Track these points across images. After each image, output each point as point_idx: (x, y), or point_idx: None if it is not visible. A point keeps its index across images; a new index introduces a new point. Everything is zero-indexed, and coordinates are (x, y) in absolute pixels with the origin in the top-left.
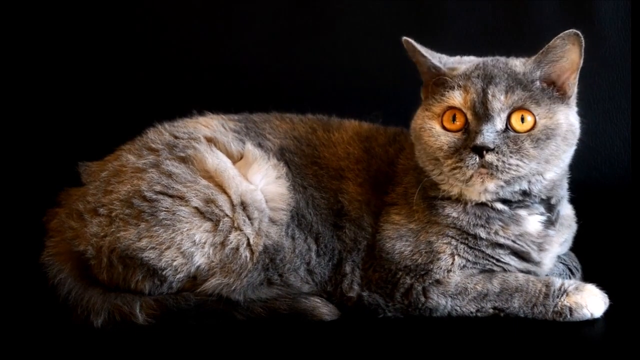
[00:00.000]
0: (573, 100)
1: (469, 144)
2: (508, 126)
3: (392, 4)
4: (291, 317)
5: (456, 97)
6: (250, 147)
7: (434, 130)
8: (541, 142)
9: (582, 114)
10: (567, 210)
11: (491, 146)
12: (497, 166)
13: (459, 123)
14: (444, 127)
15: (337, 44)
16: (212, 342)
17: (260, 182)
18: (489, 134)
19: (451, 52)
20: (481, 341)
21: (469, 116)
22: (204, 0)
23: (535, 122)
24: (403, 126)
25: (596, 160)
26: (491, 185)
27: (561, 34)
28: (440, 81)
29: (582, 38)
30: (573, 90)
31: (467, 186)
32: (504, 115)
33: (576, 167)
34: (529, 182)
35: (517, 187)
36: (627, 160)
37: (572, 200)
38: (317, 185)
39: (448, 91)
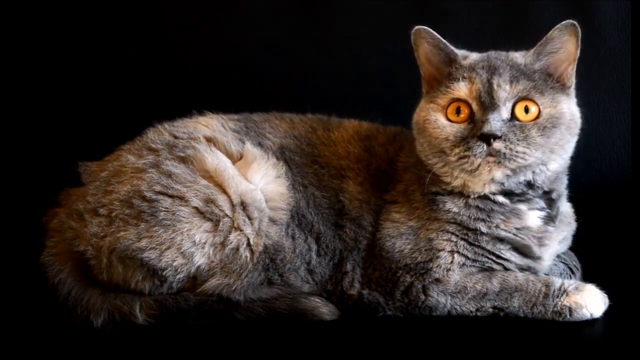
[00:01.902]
0: (572, 91)
1: (476, 133)
2: (513, 116)
3: (392, 4)
4: (291, 317)
5: (461, 89)
6: (249, 147)
7: (439, 122)
8: (547, 130)
9: (582, 113)
10: (566, 208)
11: (499, 134)
12: (504, 154)
13: (463, 115)
14: (448, 119)
15: (336, 44)
16: (212, 342)
17: (260, 181)
18: (495, 122)
19: None
20: (481, 341)
21: (475, 106)
22: (204, 0)
23: (539, 112)
24: (402, 125)
25: (596, 160)
26: (498, 173)
27: (559, 25)
28: (445, 71)
29: (579, 28)
30: (572, 81)
31: (474, 176)
32: (509, 105)
33: (576, 167)
34: (534, 172)
35: (522, 178)
36: (627, 160)
37: (572, 200)
38: (317, 184)
39: (453, 83)
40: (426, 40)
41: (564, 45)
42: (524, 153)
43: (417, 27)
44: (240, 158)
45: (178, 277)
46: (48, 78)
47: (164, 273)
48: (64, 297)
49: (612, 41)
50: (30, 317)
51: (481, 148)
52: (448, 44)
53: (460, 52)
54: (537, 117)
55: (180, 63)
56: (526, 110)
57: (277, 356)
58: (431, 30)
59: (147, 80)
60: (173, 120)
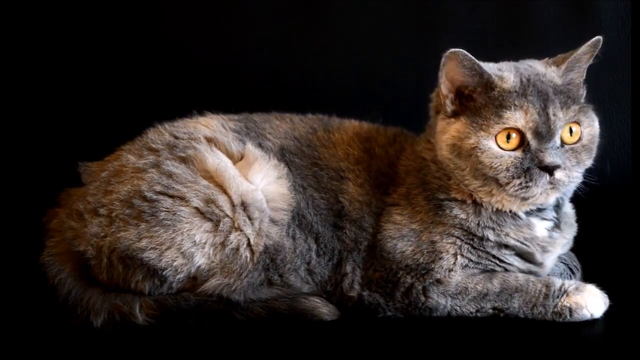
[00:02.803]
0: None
1: (538, 164)
2: (560, 141)
3: (392, 4)
4: (291, 317)
5: (518, 119)
6: (250, 147)
7: (493, 151)
8: (591, 150)
9: None
10: (567, 209)
11: (560, 163)
12: (564, 182)
13: (514, 142)
14: (499, 147)
15: (337, 44)
16: (212, 342)
17: (260, 182)
18: (555, 152)
19: None
20: (481, 341)
21: (529, 135)
22: (204, 0)
23: (581, 132)
24: (403, 126)
25: (596, 160)
26: (553, 197)
27: (590, 42)
28: (487, 97)
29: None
30: (584, 88)
31: (526, 202)
32: (560, 132)
33: None
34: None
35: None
36: (627, 160)
37: (572, 200)
38: (317, 185)
39: (504, 111)
40: (462, 64)
41: (587, 59)
42: (578, 177)
43: (452, 50)
44: (241, 158)
45: (178, 277)
46: (48, 78)
47: (164, 273)
48: (64, 297)
49: (612, 41)
50: (30, 317)
51: (544, 179)
52: (482, 65)
53: (492, 72)
54: (580, 137)
55: (180, 63)
56: (570, 131)
57: (277, 356)
58: (466, 52)
59: (147, 80)
60: (173, 121)
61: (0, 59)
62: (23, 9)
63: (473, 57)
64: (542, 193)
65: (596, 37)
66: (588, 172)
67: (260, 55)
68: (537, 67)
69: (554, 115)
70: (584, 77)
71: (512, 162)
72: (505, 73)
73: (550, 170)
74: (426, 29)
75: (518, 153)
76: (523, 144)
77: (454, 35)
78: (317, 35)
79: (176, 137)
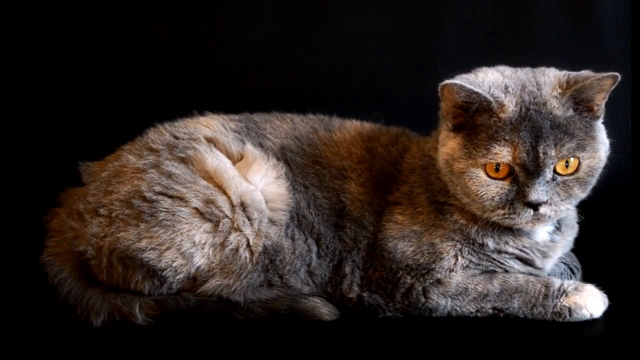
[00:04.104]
0: (601, 118)
1: (522, 199)
2: (554, 171)
3: (392, 4)
4: (291, 317)
5: (504, 155)
6: (249, 148)
7: (480, 179)
8: (588, 183)
9: None
10: (569, 211)
11: (545, 199)
12: (549, 216)
13: (503, 171)
14: (488, 175)
15: (337, 44)
16: (212, 342)
17: (259, 182)
18: (542, 188)
19: (451, 52)
20: (481, 341)
21: (517, 169)
22: (204, 0)
23: (579, 163)
24: (404, 126)
25: None
26: (541, 227)
27: (600, 77)
28: (483, 123)
29: (620, 77)
30: (601, 109)
31: (513, 228)
32: (552, 167)
33: None
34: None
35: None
36: (627, 160)
37: None
38: (319, 184)
39: (493, 145)
40: (458, 95)
41: (601, 91)
42: (567, 209)
43: (446, 83)
44: (241, 159)
45: (178, 277)
46: (48, 78)
47: (163, 273)
48: (64, 297)
49: (612, 41)
50: (30, 317)
51: (528, 214)
52: (481, 92)
53: (494, 96)
54: (577, 168)
55: (181, 63)
56: (567, 163)
57: (277, 356)
58: (462, 83)
59: (148, 80)
60: (174, 121)
61: (0, 59)
62: (23, 9)
63: (470, 87)
64: (527, 223)
65: (609, 74)
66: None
67: (261, 55)
68: (543, 91)
69: (544, 153)
70: (598, 100)
71: (497, 192)
72: (506, 100)
73: (534, 206)
74: (427, 30)
75: (506, 183)
76: (512, 173)
77: (454, 36)
78: (318, 35)
79: (176, 137)
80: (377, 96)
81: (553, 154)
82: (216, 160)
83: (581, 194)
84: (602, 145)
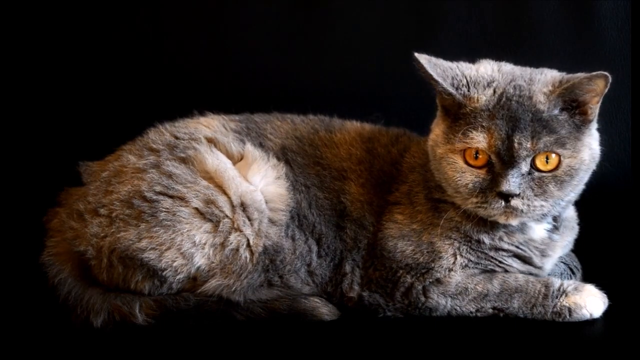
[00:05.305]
0: (594, 124)
1: (494, 189)
2: (532, 166)
3: (392, 4)
4: (291, 317)
5: (480, 141)
6: (250, 148)
7: (457, 166)
8: (565, 183)
9: None
10: (570, 212)
11: (517, 192)
12: (522, 210)
13: (482, 160)
14: (467, 162)
15: (338, 45)
16: (212, 343)
17: (260, 182)
18: (514, 180)
19: (451, 52)
20: (481, 341)
21: (494, 158)
22: (204, 0)
23: (559, 161)
24: (404, 127)
25: None
26: (514, 222)
27: (590, 76)
28: (462, 111)
29: (610, 78)
30: (595, 113)
31: (488, 219)
32: (529, 160)
33: None
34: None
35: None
36: (627, 160)
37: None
38: (320, 185)
39: (470, 131)
40: (424, 74)
41: (591, 91)
42: (542, 206)
43: (415, 55)
44: (241, 159)
45: (178, 277)
46: (48, 78)
47: (164, 273)
48: (64, 297)
49: (612, 41)
50: (30, 317)
51: (499, 204)
52: (443, 75)
53: (467, 71)
54: (557, 166)
55: (181, 63)
56: (547, 159)
57: (277, 356)
58: (422, 61)
59: (148, 80)
60: (174, 121)
61: (0, 59)
62: (23, 9)
63: (429, 71)
64: (501, 215)
65: (599, 73)
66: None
67: (261, 55)
68: (533, 86)
69: (519, 144)
70: (592, 104)
71: (472, 179)
72: (478, 92)
73: (505, 197)
74: (426, 29)
75: (482, 172)
76: (490, 164)
77: (454, 36)
78: (318, 36)
79: (177, 138)
80: (377, 97)
81: (528, 145)
82: (216, 161)
83: (557, 192)
84: (588, 148)
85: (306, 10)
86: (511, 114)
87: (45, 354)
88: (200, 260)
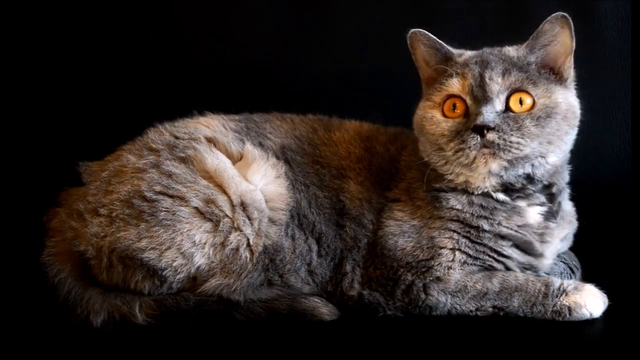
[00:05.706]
0: (571, 83)
1: (469, 125)
2: (507, 108)
3: (392, 4)
4: (291, 317)
5: (455, 84)
6: (249, 147)
7: (435, 119)
8: (542, 120)
9: (582, 113)
10: (568, 207)
11: (492, 125)
12: (498, 144)
13: (459, 111)
14: (444, 115)
15: (337, 44)
16: (212, 342)
17: (259, 182)
18: (488, 114)
19: None
20: (481, 340)
21: (469, 101)
22: (204, 0)
23: (534, 103)
24: (403, 126)
25: (596, 160)
26: (494, 165)
27: (549, 18)
28: (441, 70)
29: (570, 20)
30: (569, 73)
31: (471, 170)
32: (502, 97)
33: (576, 167)
34: (532, 165)
35: (520, 171)
36: (627, 160)
37: (572, 200)
38: (319, 184)
39: (447, 80)
40: (422, 43)
41: (557, 38)
42: (519, 143)
43: (412, 30)
44: (241, 158)
45: (178, 277)
46: (48, 78)
47: (163, 273)
48: (64, 297)
49: (612, 41)
50: (30, 317)
51: (475, 140)
52: (444, 44)
53: (456, 51)
54: (532, 107)
55: (181, 63)
56: (520, 102)
57: (277, 356)
58: (426, 32)
59: (148, 80)
60: (174, 121)
61: (0, 59)
62: (23, 9)
63: (433, 36)
64: (479, 157)
65: (557, 13)
66: (587, 171)
67: (261, 55)
68: (503, 48)
69: (490, 79)
70: (567, 62)
71: (448, 127)
72: (467, 52)
73: (480, 130)
74: (426, 29)
75: (458, 119)
76: (467, 112)
77: (454, 35)
78: (318, 35)
79: (176, 137)
80: (377, 96)
81: (500, 80)
82: (216, 160)
83: (535, 129)
84: (562, 96)
85: (306, 10)
86: (483, 59)
87: (45, 354)
88: (200, 259)
